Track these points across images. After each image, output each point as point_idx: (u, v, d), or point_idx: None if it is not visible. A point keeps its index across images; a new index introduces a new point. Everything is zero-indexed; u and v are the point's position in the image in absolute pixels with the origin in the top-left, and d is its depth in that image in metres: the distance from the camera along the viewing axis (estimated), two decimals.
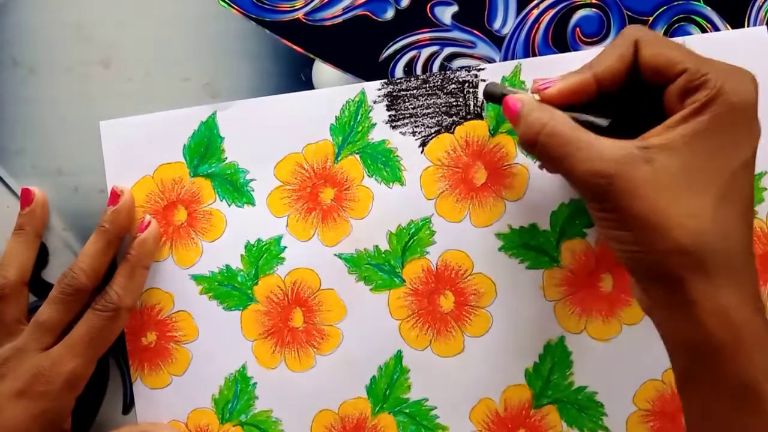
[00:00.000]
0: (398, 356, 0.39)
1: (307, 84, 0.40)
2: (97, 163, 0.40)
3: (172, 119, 0.40)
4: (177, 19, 0.41)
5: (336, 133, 0.40)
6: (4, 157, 0.41)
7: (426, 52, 0.40)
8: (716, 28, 0.40)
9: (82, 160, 0.41)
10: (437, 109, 0.40)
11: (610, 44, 0.32)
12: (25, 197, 0.40)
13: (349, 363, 0.39)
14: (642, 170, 0.28)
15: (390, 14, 0.41)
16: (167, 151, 0.40)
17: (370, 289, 0.39)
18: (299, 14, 0.41)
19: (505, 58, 0.40)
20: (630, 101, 0.32)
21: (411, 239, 0.39)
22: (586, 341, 0.39)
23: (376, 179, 0.40)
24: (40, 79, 0.41)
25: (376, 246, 0.39)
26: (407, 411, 0.39)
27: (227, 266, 0.40)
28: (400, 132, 0.40)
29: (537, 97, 0.33)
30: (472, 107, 0.39)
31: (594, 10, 0.40)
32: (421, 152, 0.40)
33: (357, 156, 0.40)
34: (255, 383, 0.39)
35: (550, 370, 0.39)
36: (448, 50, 0.40)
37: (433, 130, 0.40)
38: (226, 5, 0.41)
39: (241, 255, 0.40)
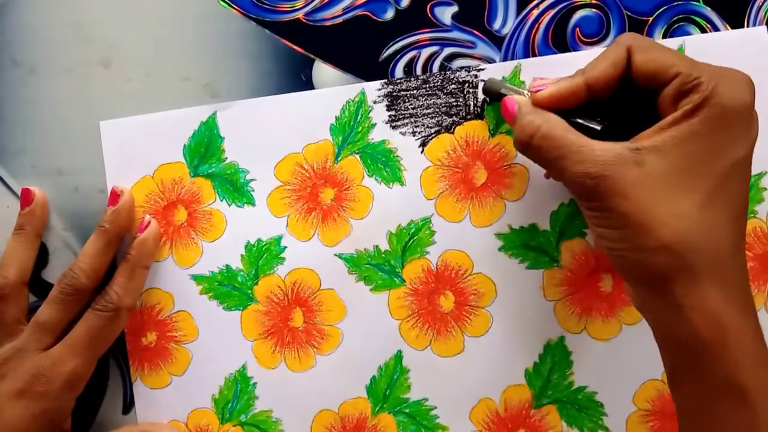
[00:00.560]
0: (398, 356, 0.39)
1: (307, 84, 0.40)
2: (97, 163, 0.40)
3: (172, 119, 0.40)
4: (177, 19, 0.41)
5: (336, 133, 0.40)
6: (4, 157, 0.41)
7: (426, 53, 0.40)
8: (716, 29, 0.40)
9: (82, 160, 0.41)
10: (437, 109, 0.40)
11: (604, 51, 0.32)
12: (25, 197, 0.40)
13: (349, 363, 0.39)
14: (632, 171, 0.29)
15: (390, 14, 0.41)
16: (167, 151, 0.40)
17: (370, 289, 0.39)
18: (299, 14, 0.41)
19: (505, 59, 0.40)
20: (623, 106, 0.33)
21: (411, 239, 0.39)
22: (586, 341, 0.39)
23: (376, 179, 0.40)
24: (40, 79, 0.41)
25: (376, 246, 0.39)
26: (407, 411, 0.39)
27: (227, 266, 0.40)
28: (400, 132, 0.40)
29: None
30: (472, 107, 0.39)
31: (594, 10, 0.40)
32: (421, 152, 0.40)
33: (357, 156, 0.40)
34: (255, 383, 0.39)
35: (550, 370, 0.39)
36: (448, 50, 0.40)
37: (433, 130, 0.40)
38: (226, 5, 0.41)
39: (241, 255, 0.40)
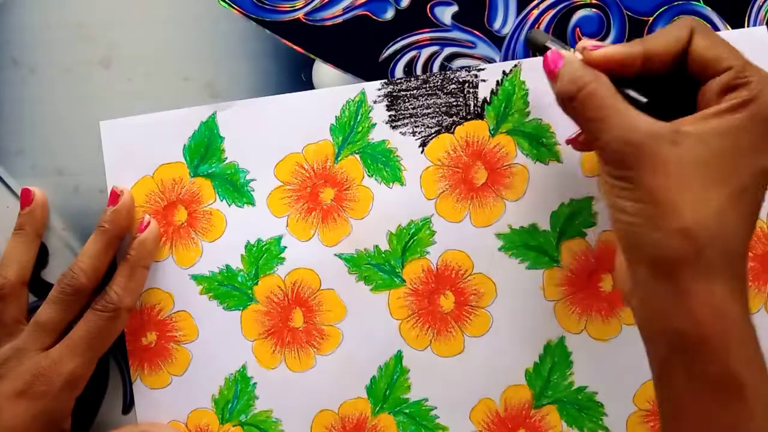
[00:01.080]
0: (398, 356, 0.39)
1: (307, 84, 0.40)
2: (97, 163, 0.40)
3: (172, 119, 0.40)
4: (177, 19, 0.41)
5: (336, 133, 0.40)
6: (4, 157, 0.41)
7: (426, 53, 0.40)
8: (716, 28, 0.40)
9: (82, 160, 0.41)
10: (437, 109, 0.40)
11: (665, 28, 0.32)
12: (25, 197, 0.40)
13: (349, 363, 0.39)
14: (669, 150, 0.28)
15: (390, 14, 0.41)
16: (167, 151, 0.40)
17: (370, 289, 0.39)
18: (299, 14, 0.41)
19: (505, 58, 0.40)
20: (667, 88, 0.32)
21: (411, 239, 0.39)
22: (586, 341, 0.39)
23: (376, 179, 0.40)
24: (40, 79, 0.41)
25: (376, 246, 0.39)
26: (407, 411, 0.39)
27: (227, 266, 0.40)
28: (400, 132, 0.40)
29: (579, 56, 0.32)
30: (472, 107, 0.39)
31: (594, 10, 0.40)
32: (421, 152, 0.40)
33: (357, 156, 0.40)
34: (255, 383, 0.39)
35: (550, 370, 0.39)
36: (448, 50, 0.40)
37: (433, 130, 0.40)
38: (226, 5, 0.41)
39: (241, 255, 0.40)
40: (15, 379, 0.35)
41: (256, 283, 0.40)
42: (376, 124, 0.40)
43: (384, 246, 0.39)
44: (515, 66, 0.40)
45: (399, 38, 0.40)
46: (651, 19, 0.40)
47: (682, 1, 0.40)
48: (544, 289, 0.39)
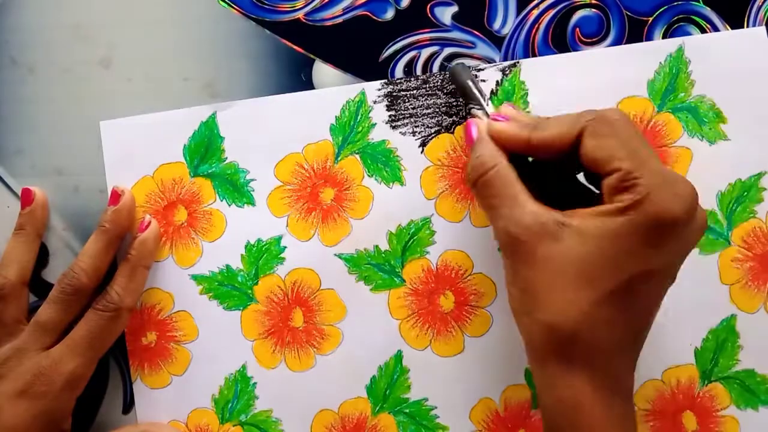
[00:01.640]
0: (398, 356, 0.39)
1: (307, 84, 0.40)
2: (97, 163, 0.40)
3: (172, 119, 0.40)
4: (177, 19, 0.41)
5: (336, 133, 0.40)
6: (4, 157, 0.41)
7: (426, 53, 0.40)
8: (716, 29, 0.40)
9: (82, 160, 0.41)
10: (437, 109, 0.40)
11: (565, 117, 0.32)
12: (26, 197, 0.40)
13: (349, 363, 0.39)
14: (547, 246, 0.29)
15: (390, 14, 0.41)
16: (167, 151, 0.40)
17: (370, 289, 0.39)
18: (299, 14, 0.41)
19: (504, 59, 0.40)
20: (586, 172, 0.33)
21: (411, 239, 0.39)
22: None
23: (376, 179, 0.40)
24: (39, 78, 0.41)
25: (376, 246, 0.39)
26: (407, 411, 0.39)
27: (227, 266, 0.40)
28: (400, 132, 0.40)
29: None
30: None
31: (594, 10, 0.40)
32: (421, 152, 0.40)
33: (357, 156, 0.40)
34: (255, 383, 0.39)
35: None
36: (448, 50, 0.40)
37: (433, 130, 0.40)
38: (226, 5, 0.41)
39: (241, 255, 0.40)
40: (15, 379, 0.35)
41: (256, 283, 0.40)
42: (376, 124, 0.40)
43: (384, 246, 0.39)
44: (515, 66, 0.40)
45: (399, 38, 0.40)
46: (651, 19, 0.40)
47: (681, 1, 0.40)
48: None
